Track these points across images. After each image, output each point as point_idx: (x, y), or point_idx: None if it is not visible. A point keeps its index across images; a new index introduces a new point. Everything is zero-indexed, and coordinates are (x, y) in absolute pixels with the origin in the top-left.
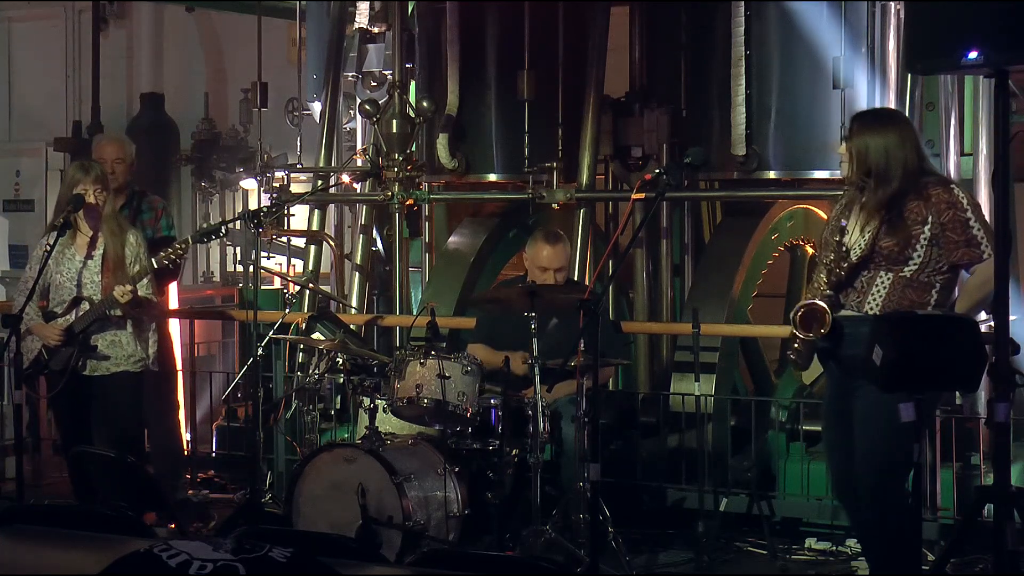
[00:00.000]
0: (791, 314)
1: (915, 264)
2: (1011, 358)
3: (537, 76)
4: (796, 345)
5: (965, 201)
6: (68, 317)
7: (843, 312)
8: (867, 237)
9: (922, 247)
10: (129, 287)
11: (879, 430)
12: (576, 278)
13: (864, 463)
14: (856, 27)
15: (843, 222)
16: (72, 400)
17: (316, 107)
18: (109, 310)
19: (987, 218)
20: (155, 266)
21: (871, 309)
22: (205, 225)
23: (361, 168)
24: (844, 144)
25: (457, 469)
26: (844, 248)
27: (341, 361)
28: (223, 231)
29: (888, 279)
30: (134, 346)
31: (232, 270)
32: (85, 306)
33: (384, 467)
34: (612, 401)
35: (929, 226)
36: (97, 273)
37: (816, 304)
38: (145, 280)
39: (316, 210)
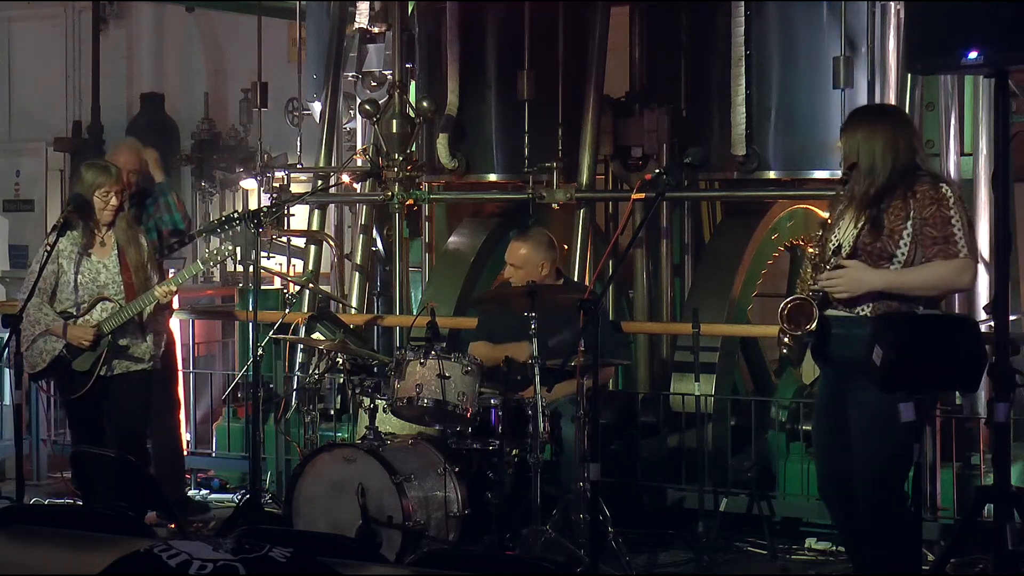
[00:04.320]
0: (779, 310)
1: (899, 263)
2: (1011, 358)
3: (537, 76)
4: (786, 340)
5: (951, 200)
6: (87, 317)
7: (834, 312)
8: (854, 232)
9: (905, 244)
10: (173, 287)
11: (878, 432)
12: (576, 278)
13: (863, 466)
14: (856, 27)
15: (836, 220)
16: (90, 400)
17: (316, 107)
18: (137, 311)
19: (980, 221)
20: (157, 299)
21: (862, 310)
22: (208, 223)
23: (361, 168)
24: (840, 139)
25: (457, 469)
26: (835, 243)
27: (341, 361)
28: (227, 226)
29: None
30: (147, 345)
31: (232, 270)
32: (107, 306)
33: (384, 467)
34: (612, 401)
35: (911, 221)
36: (117, 274)
37: (803, 299)
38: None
39: (316, 210)
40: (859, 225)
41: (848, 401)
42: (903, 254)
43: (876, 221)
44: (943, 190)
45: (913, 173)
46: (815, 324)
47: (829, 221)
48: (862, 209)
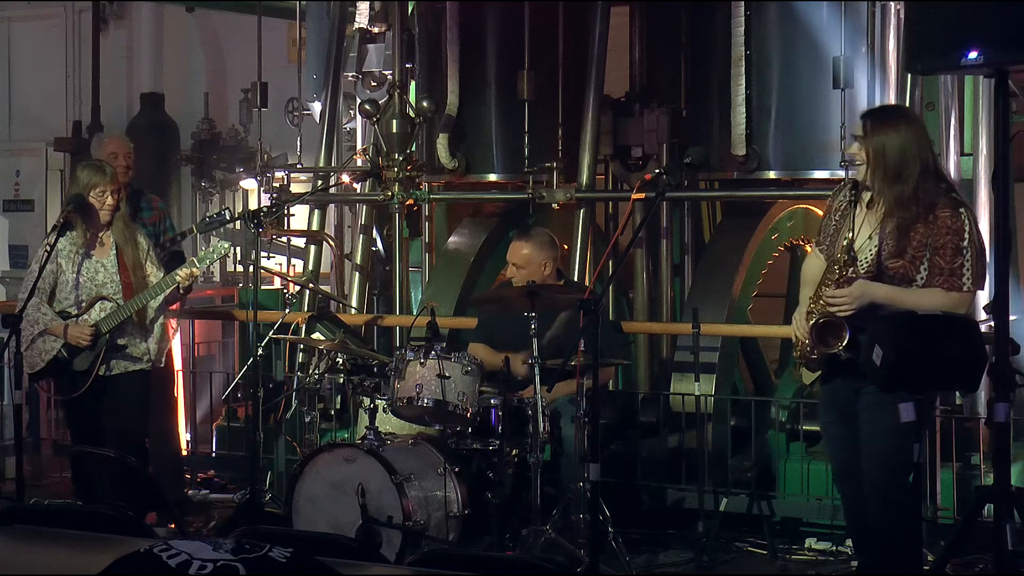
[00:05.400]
0: (809, 326)
1: (919, 285)
2: (1011, 358)
3: (537, 76)
4: (814, 356)
5: (967, 228)
6: (86, 317)
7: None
8: (875, 245)
9: (925, 269)
10: (196, 269)
11: (883, 430)
12: (576, 278)
13: (869, 463)
14: (856, 27)
15: (840, 220)
16: (88, 400)
17: (316, 107)
18: (136, 309)
19: (981, 222)
20: (175, 282)
21: None
22: (208, 217)
23: (361, 168)
24: (856, 144)
25: (457, 469)
26: (846, 248)
27: (341, 361)
28: (228, 219)
29: None
30: (146, 344)
31: (232, 270)
32: (105, 305)
33: (384, 467)
34: (612, 401)
35: (928, 249)
36: (115, 273)
37: (836, 319)
38: (158, 270)
39: (316, 210)
40: (879, 241)
41: (861, 396)
42: (922, 279)
43: (901, 247)
44: (962, 217)
45: (936, 183)
46: (846, 341)
47: (831, 225)
48: (887, 216)
